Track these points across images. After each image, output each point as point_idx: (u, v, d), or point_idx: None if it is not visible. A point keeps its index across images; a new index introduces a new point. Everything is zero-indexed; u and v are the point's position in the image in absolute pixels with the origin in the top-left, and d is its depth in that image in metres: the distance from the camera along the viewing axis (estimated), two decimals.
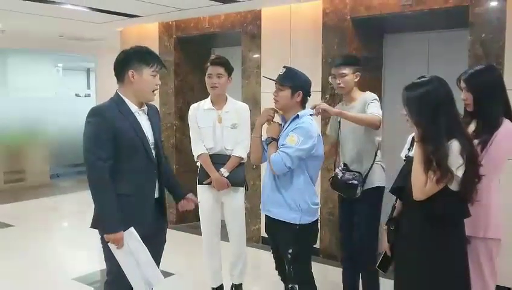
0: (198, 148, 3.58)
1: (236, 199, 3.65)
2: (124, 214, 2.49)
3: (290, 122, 2.82)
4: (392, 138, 4.84)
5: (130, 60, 2.64)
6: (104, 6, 5.09)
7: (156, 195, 2.70)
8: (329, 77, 3.40)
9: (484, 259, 2.43)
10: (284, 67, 2.86)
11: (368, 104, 3.19)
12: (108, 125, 2.52)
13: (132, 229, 2.50)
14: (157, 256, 2.76)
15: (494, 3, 3.74)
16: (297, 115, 2.80)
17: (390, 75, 4.87)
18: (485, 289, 2.44)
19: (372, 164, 3.27)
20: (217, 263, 3.77)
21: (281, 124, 2.93)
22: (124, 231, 2.48)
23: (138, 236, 2.52)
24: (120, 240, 2.47)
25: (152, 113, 2.76)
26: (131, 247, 2.51)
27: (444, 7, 3.97)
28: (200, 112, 3.61)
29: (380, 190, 3.30)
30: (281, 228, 2.82)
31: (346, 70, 3.26)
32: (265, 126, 2.96)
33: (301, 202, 2.76)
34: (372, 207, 3.28)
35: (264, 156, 2.98)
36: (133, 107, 2.65)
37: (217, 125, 3.55)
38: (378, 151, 3.33)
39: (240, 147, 3.55)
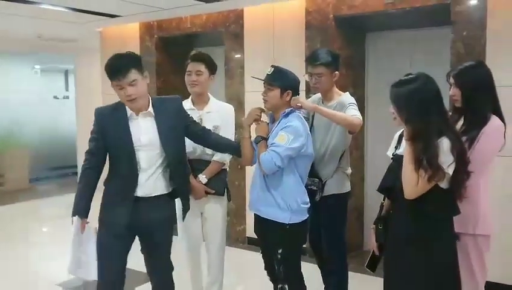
0: None
1: (217, 210, 3.26)
2: (102, 210, 2.79)
3: (280, 120, 2.80)
4: (375, 136, 4.88)
5: None
6: (83, 6, 5.00)
7: (158, 192, 2.77)
8: (305, 75, 3.22)
9: (474, 255, 2.44)
10: (272, 66, 2.81)
11: (346, 108, 3.05)
12: (98, 126, 2.73)
13: (75, 218, 2.69)
14: (155, 254, 2.86)
15: (474, 1, 3.78)
16: (285, 112, 2.78)
17: (374, 74, 4.89)
18: (475, 285, 2.45)
19: (334, 171, 3.17)
20: (199, 283, 3.48)
21: (268, 123, 2.91)
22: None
23: (87, 227, 2.72)
24: (74, 224, 2.67)
25: (161, 112, 2.77)
26: (83, 235, 2.71)
27: (426, 5, 4.00)
28: None
29: (340, 197, 3.22)
30: (270, 228, 2.79)
31: (322, 70, 3.09)
32: (253, 126, 2.93)
33: (291, 202, 2.73)
34: (333, 213, 3.22)
35: (255, 157, 2.93)
36: (129, 112, 2.71)
37: None
38: (343, 157, 3.22)
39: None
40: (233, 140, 3.22)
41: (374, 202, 4.81)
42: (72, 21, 5.78)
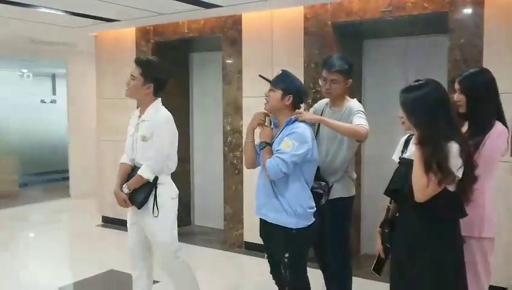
0: (123, 156, 3.25)
1: (147, 219, 3.11)
2: None
3: (285, 127, 2.82)
4: (372, 142, 4.93)
5: None
6: (79, 10, 4.98)
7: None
8: (320, 79, 3.27)
9: (479, 258, 2.48)
10: (281, 70, 2.87)
11: (354, 115, 3.10)
12: None
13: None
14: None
15: (471, 10, 3.87)
16: (291, 119, 2.81)
17: (370, 81, 4.95)
18: (479, 287, 2.49)
19: (341, 176, 3.22)
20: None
21: (272, 128, 2.93)
22: None
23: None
24: None
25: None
26: None
27: (423, 13, 4.08)
28: (132, 118, 3.27)
29: (346, 201, 3.27)
30: (277, 232, 2.81)
31: (338, 77, 3.14)
32: (257, 131, 2.96)
33: (297, 207, 2.76)
34: (338, 217, 3.25)
35: (257, 160, 2.96)
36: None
37: (134, 135, 3.15)
38: (349, 162, 3.27)
39: (145, 165, 3.05)
40: (163, 152, 3.08)
41: (371, 207, 4.88)
42: (66, 25, 5.74)
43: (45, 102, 10.43)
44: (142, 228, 3.19)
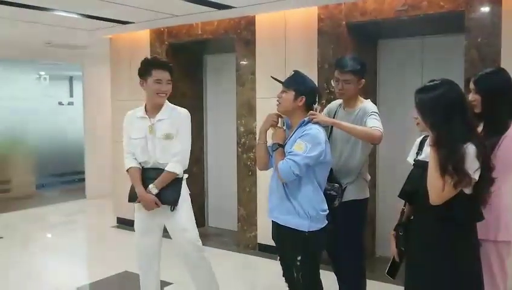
0: (128, 161, 3.18)
1: (175, 218, 3.14)
2: None
3: (297, 128, 2.80)
4: (387, 143, 4.87)
5: None
6: (95, 13, 5.02)
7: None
8: (332, 80, 3.25)
9: (495, 262, 2.43)
10: (294, 71, 2.85)
11: (368, 116, 3.06)
12: None
13: None
14: None
15: (489, 8, 3.79)
16: (304, 121, 2.78)
17: (385, 81, 4.90)
18: None
19: (354, 178, 3.18)
20: None
21: (285, 130, 2.91)
22: None
23: None
24: None
25: None
26: None
27: (439, 12, 4.01)
28: (133, 121, 3.22)
29: (360, 203, 3.22)
30: (289, 235, 2.78)
31: (351, 77, 3.11)
32: (269, 132, 2.93)
33: (310, 209, 2.72)
34: (351, 219, 3.21)
35: (270, 162, 2.94)
36: None
37: (148, 137, 3.12)
38: (363, 164, 3.24)
39: (173, 161, 3.09)
40: (189, 147, 3.17)
41: (385, 209, 4.82)
42: (81, 28, 5.80)
43: (63, 104, 10.56)
44: (161, 227, 3.20)
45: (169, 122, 3.12)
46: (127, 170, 3.21)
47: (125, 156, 3.23)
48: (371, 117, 3.04)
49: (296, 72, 2.85)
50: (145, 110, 3.20)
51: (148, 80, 3.12)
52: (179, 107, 3.23)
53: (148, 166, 3.17)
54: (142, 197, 3.09)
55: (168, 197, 3.10)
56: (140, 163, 3.20)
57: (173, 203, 3.11)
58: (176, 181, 3.11)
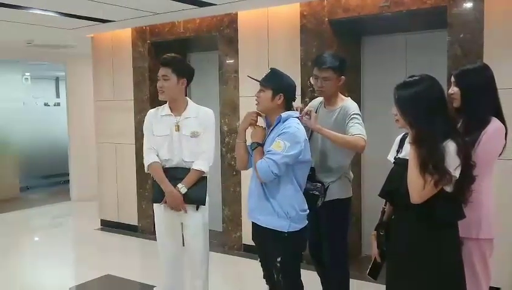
0: (149, 157, 3.10)
1: (197, 218, 3.11)
2: None
3: (275, 126, 2.73)
4: (371, 141, 4.82)
5: None
6: (74, 11, 4.92)
7: None
8: (311, 77, 3.18)
9: (477, 260, 2.40)
10: (270, 68, 2.79)
11: (349, 119, 3.00)
12: None
13: None
14: None
15: (471, 4, 3.75)
16: (280, 117, 2.71)
17: (369, 77, 4.86)
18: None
19: (337, 177, 3.11)
20: None
21: (265, 128, 2.84)
22: None
23: None
24: None
25: None
26: None
27: (421, 8, 3.97)
28: (157, 119, 3.17)
29: (343, 202, 3.16)
30: (269, 236, 2.72)
31: (329, 74, 3.04)
32: (249, 130, 2.87)
33: (289, 209, 2.66)
34: (335, 219, 3.15)
35: (250, 161, 2.88)
36: None
37: (174, 134, 3.08)
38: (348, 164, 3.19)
39: (200, 159, 3.07)
40: (213, 145, 3.16)
41: (371, 208, 4.77)
42: (62, 27, 5.68)
43: (49, 105, 10.44)
44: (180, 229, 3.14)
45: (197, 121, 3.10)
46: (147, 166, 3.10)
47: (146, 152, 3.14)
48: (353, 122, 2.97)
49: (273, 70, 2.79)
50: (170, 108, 3.15)
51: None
52: (203, 107, 3.21)
53: (172, 165, 3.09)
54: (172, 196, 3.01)
55: (195, 196, 3.05)
56: (162, 162, 3.11)
57: (200, 202, 3.07)
58: (202, 180, 3.09)
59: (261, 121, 2.87)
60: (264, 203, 2.70)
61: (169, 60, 3.09)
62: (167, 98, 3.12)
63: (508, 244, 3.50)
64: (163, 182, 3.03)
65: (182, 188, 3.01)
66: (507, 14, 3.64)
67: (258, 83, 2.78)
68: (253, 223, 2.85)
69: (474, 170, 2.20)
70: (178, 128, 3.08)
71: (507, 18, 3.64)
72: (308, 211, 2.77)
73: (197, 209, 3.10)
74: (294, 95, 2.82)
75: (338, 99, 3.16)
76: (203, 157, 3.08)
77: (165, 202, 3.05)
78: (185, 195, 3.02)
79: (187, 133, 3.07)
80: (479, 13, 3.71)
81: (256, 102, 2.79)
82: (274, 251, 2.73)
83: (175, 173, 3.06)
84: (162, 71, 3.06)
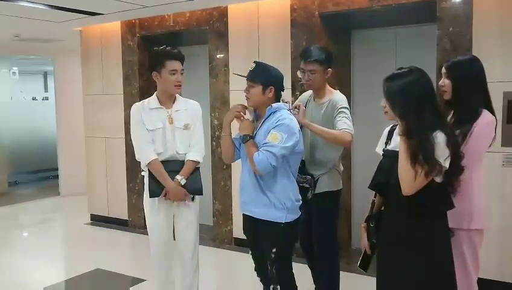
0: (148, 153, 3.04)
1: (190, 209, 3.14)
2: None
3: (267, 117, 2.73)
4: (361, 134, 4.85)
5: None
6: (63, 4, 4.86)
7: None
8: (298, 71, 3.20)
9: (468, 251, 2.41)
10: (254, 62, 2.76)
11: (337, 112, 3.01)
12: None
13: None
14: None
15: None
16: (271, 108, 2.72)
17: (359, 71, 4.87)
18: (469, 281, 2.42)
19: (327, 170, 3.14)
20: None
21: (252, 121, 2.84)
22: None
23: None
24: None
25: None
26: None
27: (411, 2, 3.99)
28: (145, 112, 3.10)
29: (333, 194, 3.19)
30: (264, 228, 2.73)
31: (316, 67, 3.07)
32: (236, 123, 2.86)
33: (286, 200, 2.69)
34: (325, 212, 3.18)
35: (236, 154, 2.87)
36: None
37: (168, 127, 3.07)
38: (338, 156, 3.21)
39: (194, 150, 3.11)
40: (203, 137, 3.18)
41: (361, 200, 4.78)
42: (50, 20, 5.61)
43: (37, 99, 10.34)
44: (172, 221, 3.14)
45: (187, 113, 3.13)
46: (148, 163, 3.04)
47: (143, 147, 3.07)
48: (340, 116, 3.00)
49: (258, 64, 2.77)
50: (159, 101, 3.12)
51: (162, 71, 3.02)
52: (189, 99, 3.23)
53: (165, 158, 3.07)
54: (174, 191, 3.02)
55: (194, 186, 3.09)
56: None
57: (198, 192, 3.12)
58: (196, 170, 3.13)
59: (247, 114, 2.86)
60: (260, 195, 2.71)
61: (182, 54, 3.11)
62: (180, 92, 3.14)
63: (496, 235, 3.55)
64: (165, 178, 3.03)
65: (182, 179, 3.04)
66: (496, 8, 3.66)
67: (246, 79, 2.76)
68: (245, 216, 2.86)
69: (462, 160, 2.22)
70: (172, 120, 3.08)
71: (496, 12, 3.66)
72: (301, 201, 2.79)
73: (192, 199, 3.12)
74: (283, 85, 2.82)
75: (326, 91, 3.17)
76: (196, 149, 3.12)
77: (165, 195, 3.05)
78: (183, 186, 3.05)
79: (180, 126, 3.09)
80: (468, 7, 3.73)
81: (246, 98, 2.78)
82: (270, 242, 2.73)
83: (168, 166, 3.06)
84: (179, 66, 3.05)
